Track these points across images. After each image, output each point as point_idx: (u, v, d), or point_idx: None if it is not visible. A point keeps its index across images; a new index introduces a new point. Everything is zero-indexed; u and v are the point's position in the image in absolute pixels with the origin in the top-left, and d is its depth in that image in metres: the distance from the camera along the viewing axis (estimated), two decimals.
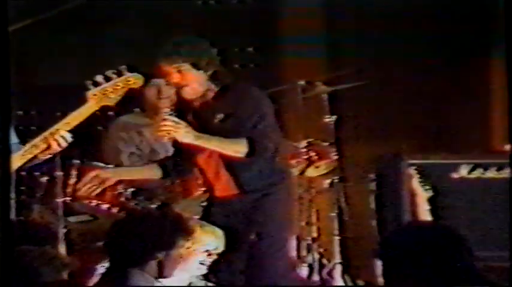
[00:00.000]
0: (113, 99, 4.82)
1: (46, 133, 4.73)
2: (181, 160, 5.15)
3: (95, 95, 4.77)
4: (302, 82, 5.96)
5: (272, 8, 6.60)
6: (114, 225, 4.35)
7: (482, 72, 6.66)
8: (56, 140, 4.73)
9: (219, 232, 4.85)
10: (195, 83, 5.05)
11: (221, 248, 4.76)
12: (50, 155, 4.79)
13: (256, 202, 5.05)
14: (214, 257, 4.78)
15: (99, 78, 4.78)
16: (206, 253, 4.70)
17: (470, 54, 6.59)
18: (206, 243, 4.75)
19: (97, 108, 4.79)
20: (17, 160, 4.68)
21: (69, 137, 4.76)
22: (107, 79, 4.81)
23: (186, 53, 5.05)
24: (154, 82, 5.81)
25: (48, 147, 4.75)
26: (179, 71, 5.04)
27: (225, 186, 5.09)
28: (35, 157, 4.79)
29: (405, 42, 6.44)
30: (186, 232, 4.14)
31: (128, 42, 6.36)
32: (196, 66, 5.05)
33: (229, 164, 5.02)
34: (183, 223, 4.25)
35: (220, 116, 5.02)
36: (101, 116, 5.51)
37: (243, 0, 6.51)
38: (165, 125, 4.96)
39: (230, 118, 5.02)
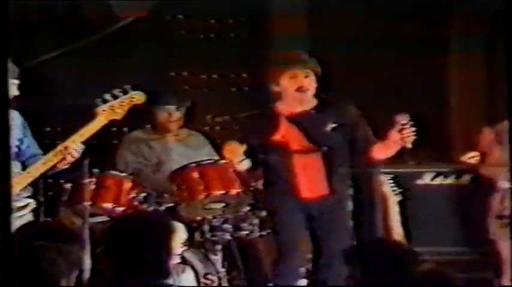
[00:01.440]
0: (119, 113, 5.08)
1: (62, 145, 4.99)
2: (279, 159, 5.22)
3: (104, 110, 5.06)
4: None
5: (263, 40, 6.76)
6: (111, 230, 4.07)
7: (442, 85, 6.73)
8: (69, 152, 4.95)
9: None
10: (314, 91, 5.24)
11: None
12: (68, 165, 5.02)
13: (337, 204, 5.22)
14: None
15: (107, 96, 5.08)
16: (182, 245, 4.82)
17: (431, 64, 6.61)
18: (182, 236, 4.90)
19: (106, 122, 5.07)
20: (39, 168, 5.00)
21: (81, 147, 4.98)
22: (114, 97, 5.08)
23: (316, 62, 5.28)
24: (167, 108, 6.16)
25: (64, 158, 4.97)
26: (306, 77, 5.23)
27: (315, 187, 5.20)
28: (55, 165, 5.03)
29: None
30: (174, 231, 4.07)
31: (139, 70, 6.52)
32: (317, 76, 5.26)
33: (329, 165, 5.18)
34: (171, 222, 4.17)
35: (332, 124, 5.15)
36: (116, 131, 6.01)
37: (239, 34, 6.78)
38: (404, 132, 4.97)
39: (341, 127, 5.15)
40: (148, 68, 6.61)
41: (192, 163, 5.78)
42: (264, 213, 5.90)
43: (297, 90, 5.20)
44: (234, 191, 5.73)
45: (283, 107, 5.29)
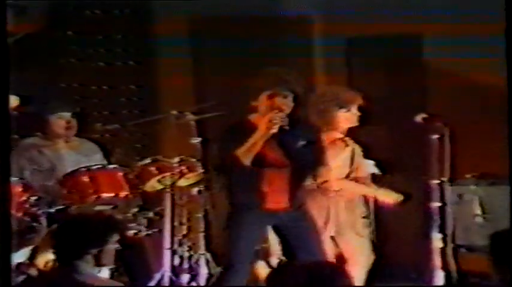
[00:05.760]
0: None
1: None
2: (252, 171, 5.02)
3: None
4: (175, 112, 6.05)
5: (149, 53, 6.89)
6: (59, 227, 4.32)
7: None
8: None
9: None
10: (290, 110, 5.07)
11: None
12: None
13: (296, 216, 5.09)
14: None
15: None
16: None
17: None
18: None
19: None
20: None
21: None
22: None
23: (294, 82, 5.09)
24: (63, 115, 6.03)
25: None
26: (285, 97, 5.05)
27: (279, 199, 5.06)
28: None
29: None
30: (117, 229, 4.17)
31: (31, 82, 6.28)
32: (296, 95, 5.08)
33: (295, 181, 5.07)
34: (114, 222, 4.29)
35: (303, 142, 5.04)
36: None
37: (126, 49, 6.82)
38: None
39: (310, 145, 5.07)
40: (40, 80, 6.54)
41: (82, 167, 5.81)
42: (151, 214, 5.96)
43: (273, 109, 5.03)
44: (122, 194, 5.75)
45: (259, 121, 5.09)
